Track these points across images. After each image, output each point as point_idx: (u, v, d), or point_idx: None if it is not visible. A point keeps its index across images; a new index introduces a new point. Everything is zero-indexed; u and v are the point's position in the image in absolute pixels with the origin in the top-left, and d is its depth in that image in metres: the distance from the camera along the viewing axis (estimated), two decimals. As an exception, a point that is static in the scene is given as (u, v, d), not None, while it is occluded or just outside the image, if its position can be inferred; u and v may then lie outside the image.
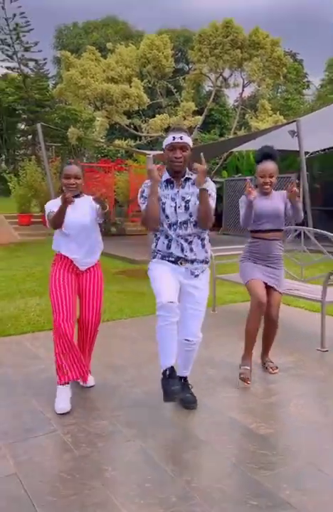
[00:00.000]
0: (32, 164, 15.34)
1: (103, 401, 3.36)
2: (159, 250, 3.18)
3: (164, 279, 3.05)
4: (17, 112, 31.23)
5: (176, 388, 2.98)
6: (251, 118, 17.05)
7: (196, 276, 3.16)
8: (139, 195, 3.18)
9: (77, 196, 3.41)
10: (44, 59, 33.01)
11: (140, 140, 18.32)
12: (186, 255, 3.12)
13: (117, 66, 16.19)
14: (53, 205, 3.36)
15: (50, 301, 3.34)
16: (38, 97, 30.20)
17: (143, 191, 3.16)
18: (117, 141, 18.53)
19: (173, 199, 3.09)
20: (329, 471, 2.53)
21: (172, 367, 3.04)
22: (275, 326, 3.85)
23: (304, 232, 5.22)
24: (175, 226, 3.09)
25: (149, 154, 9.97)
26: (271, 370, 3.86)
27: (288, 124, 13.15)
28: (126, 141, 17.64)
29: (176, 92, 17.66)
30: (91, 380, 3.61)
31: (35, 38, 35.92)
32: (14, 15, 29.69)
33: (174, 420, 3.11)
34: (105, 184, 16.68)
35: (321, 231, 5.05)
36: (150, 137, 17.59)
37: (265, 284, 3.75)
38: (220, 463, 2.61)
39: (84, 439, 2.86)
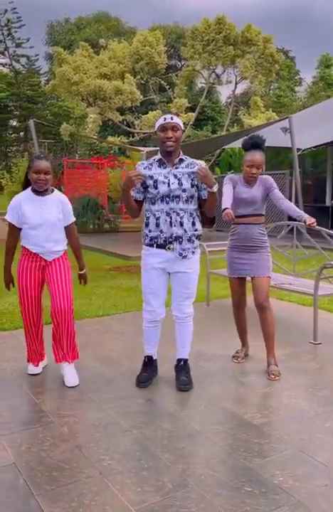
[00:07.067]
0: (25, 160, 15.34)
1: (99, 393, 3.40)
2: (149, 231, 3.25)
3: (153, 289, 3.33)
4: (9, 109, 31.07)
5: (142, 377, 3.50)
6: (244, 115, 17.12)
7: (185, 257, 3.24)
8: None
9: (45, 192, 3.49)
10: (36, 55, 32.91)
11: (133, 137, 18.30)
12: (174, 231, 3.18)
13: (109, 62, 16.17)
14: (13, 209, 3.61)
15: (18, 296, 3.62)
16: (29, 93, 30.08)
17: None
18: (109, 138, 18.53)
19: (166, 177, 3.17)
20: (320, 458, 2.60)
21: (151, 356, 3.51)
22: (265, 313, 3.67)
23: (296, 228, 5.29)
24: (168, 198, 3.17)
25: (142, 150, 10.00)
26: (272, 376, 3.65)
27: (281, 120, 13.23)
28: (119, 138, 17.64)
29: (169, 88, 17.67)
30: (75, 378, 3.57)
31: (26, 34, 35.79)
32: (5, 10, 29.55)
33: (169, 411, 3.15)
34: (98, 181, 16.67)
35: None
36: (143, 134, 17.60)
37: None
38: (214, 451, 2.67)
39: (80, 429, 2.90)
